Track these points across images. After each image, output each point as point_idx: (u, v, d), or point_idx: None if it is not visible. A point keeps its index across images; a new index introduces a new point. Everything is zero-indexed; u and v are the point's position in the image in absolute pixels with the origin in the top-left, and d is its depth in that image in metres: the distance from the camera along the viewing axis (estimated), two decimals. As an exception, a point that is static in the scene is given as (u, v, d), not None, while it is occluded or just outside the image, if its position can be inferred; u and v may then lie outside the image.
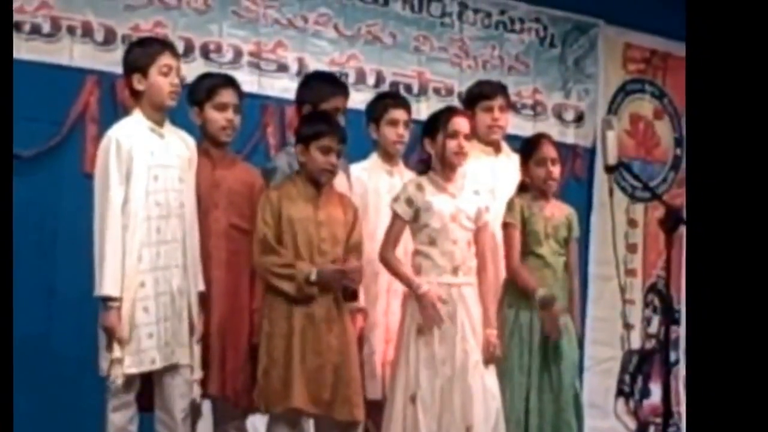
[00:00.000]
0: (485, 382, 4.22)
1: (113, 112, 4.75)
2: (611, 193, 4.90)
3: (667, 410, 4.97)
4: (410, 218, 4.30)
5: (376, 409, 4.36)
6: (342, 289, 4.16)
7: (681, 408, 6.35)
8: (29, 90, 4.44)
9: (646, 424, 6.52)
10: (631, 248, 6.66)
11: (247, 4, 5.42)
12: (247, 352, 4.15)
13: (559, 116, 6.43)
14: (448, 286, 4.24)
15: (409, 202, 4.29)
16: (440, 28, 6.03)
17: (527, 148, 4.70)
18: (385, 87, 5.71)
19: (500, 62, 6.21)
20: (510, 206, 4.59)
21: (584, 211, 5.94)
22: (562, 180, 4.89)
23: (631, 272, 6.63)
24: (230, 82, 4.32)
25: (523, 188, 4.67)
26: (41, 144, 4.83)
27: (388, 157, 4.71)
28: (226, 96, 4.24)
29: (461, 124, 4.35)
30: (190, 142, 4.14)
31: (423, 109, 5.61)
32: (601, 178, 6.22)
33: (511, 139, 5.08)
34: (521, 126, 5.95)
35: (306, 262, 4.07)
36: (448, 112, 4.43)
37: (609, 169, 4.15)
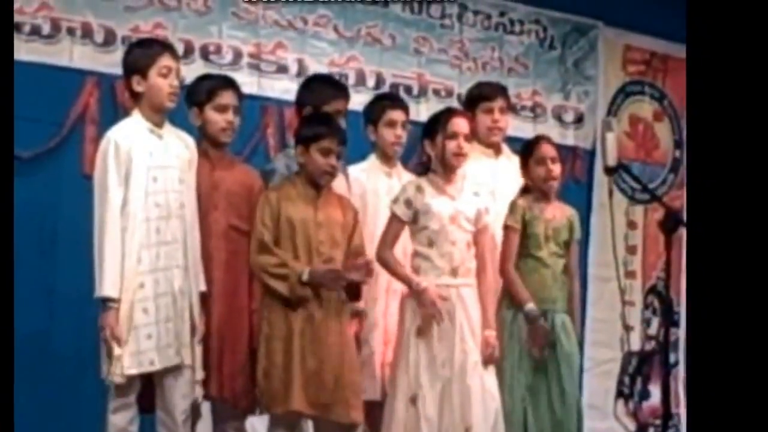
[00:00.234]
0: (484, 383, 4.22)
1: (113, 113, 4.74)
2: (611, 194, 4.92)
3: (666, 412, 4.95)
4: (409, 220, 4.30)
5: (374, 409, 4.36)
6: (346, 286, 4.13)
7: (680, 410, 6.36)
8: (29, 91, 4.43)
9: (645, 426, 6.51)
10: (631, 250, 6.66)
11: (247, 5, 5.41)
12: (247, 353, 4.14)
13: (558, 118, 6.42)
14: (446, 287, 4.24)
15: (409, 203, 4.29)
16: (440, 29, 6.02)
17: (527, 149, 4.71)
18: (384, 88, 5.70)
19: (500, 64, 6.20)
20: (512, 208, 4.59)
21: (584, 213, 5.91)
22: (562, 181, 4.88)
23: (630, 274, 6.62)
24: (230, 84, 4.32)
25: (525, 190, 4.68)
26: (41, 145, 4.83)
27: (387, 158, 4.71)
28: (226, 97, 4.24)
29: (461, 124, 4.35)
30: (190, 142, 4.14)
31: (423, 111, 5.60)
32: (600, 180, 6.23)
33: (511, 140, 5.08)
34: (521, 128, 5.94)
35: (302, 263, 4.06)
36: (447, 113, 4.43)
37: (609, 171, 4.14)
